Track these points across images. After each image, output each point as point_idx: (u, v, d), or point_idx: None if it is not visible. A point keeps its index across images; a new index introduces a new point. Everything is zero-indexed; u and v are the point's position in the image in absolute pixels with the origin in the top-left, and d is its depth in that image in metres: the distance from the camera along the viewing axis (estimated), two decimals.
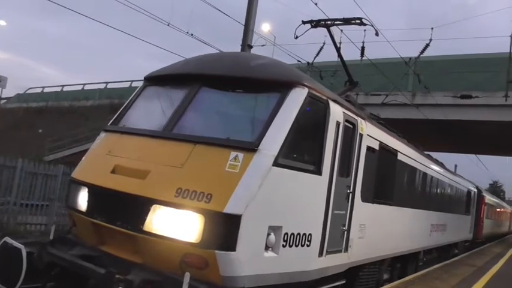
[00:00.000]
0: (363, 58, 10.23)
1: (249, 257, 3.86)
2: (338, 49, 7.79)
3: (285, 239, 4.24)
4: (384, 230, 7.14)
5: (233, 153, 3.98)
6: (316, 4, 9.99)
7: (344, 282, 5.68)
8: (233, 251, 3.70)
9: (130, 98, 5.39)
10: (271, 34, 20.04)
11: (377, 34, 7.67)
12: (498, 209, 29.14)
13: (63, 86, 37.23)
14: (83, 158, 4.96)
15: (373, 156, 6.33)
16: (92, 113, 26.80)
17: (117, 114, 5.23)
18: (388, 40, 11.81)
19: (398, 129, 8.58)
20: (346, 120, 5.34)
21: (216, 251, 3.68)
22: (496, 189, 68.33)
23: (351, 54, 10.16)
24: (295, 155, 4.42)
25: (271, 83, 4.51)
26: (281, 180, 4.16)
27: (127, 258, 4.09)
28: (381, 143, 6.64)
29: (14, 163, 10.02)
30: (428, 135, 21.42)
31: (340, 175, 5.23)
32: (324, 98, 4.87)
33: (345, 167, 5.41)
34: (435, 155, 13.28)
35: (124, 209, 4.07)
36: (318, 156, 4.75)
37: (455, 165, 29.54)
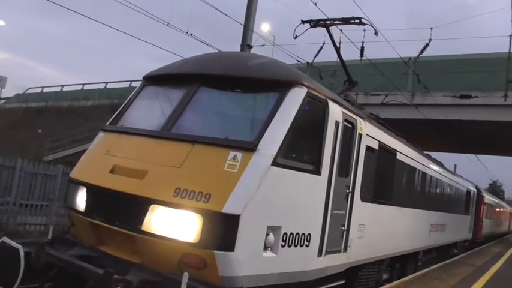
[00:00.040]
0: (363, 58, 10.21)
1: (247, 257, 3.85)
2: (337, 49, 7.78)
3: (284, 239, 4.23)
4: (383, 230, 7.13)
5: (232, 153, 3.97)
6: (315, 4, 9.98)
7: (343, 282, 5.68)
8: (232, 251, 3.69)
9: (129, 98, 5.37)
10: (271, 34, 20.04)
11: (376, 34, 7.67)
12: (497, 209, 29.15)
13: (62, 86, 37.28)
14: (81, 158, 4.95)
15: (373, 156, 6.32)
16: (92, 113, 26.78)
17: (116, 114, 5.22)
18: (387, 40, 11.82)
19: (397, 129, 8.57)
20: (345, 120, 5.33)
21: (215, 251, 3.67)
22: (495, 189, 68.34)
23: (350, 54, 10.17)
24: (294, 155, 4.41)
25: (270, 83, 4.50)
26: (280, 180, 4.15)
27: (125, 259, 4.08)
28: (380, 142, 6.63)
29: (13, 163, 10.01)
30: (428, 135, 21.43)
31: (339, 175, 5.22)
32: (323, 97, 4.86)
33: (344, 167, 5.40)
34: (435, 154, 13.29)
35: (122, 209, 4.06)
36: (317, 156, 4.74)
37: (455, 165, 29.56)
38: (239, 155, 3.95)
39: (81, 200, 4.46)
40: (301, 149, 4.62)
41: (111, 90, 32.14)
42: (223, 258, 3.69)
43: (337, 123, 5.08)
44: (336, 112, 5.07)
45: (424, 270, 9.51)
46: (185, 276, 3.55)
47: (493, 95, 16.54)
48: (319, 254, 4.86)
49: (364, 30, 8.90)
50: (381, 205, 6.88)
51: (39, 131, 25.85)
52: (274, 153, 4.05)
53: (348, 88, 7.75)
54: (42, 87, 38.89)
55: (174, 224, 3.82)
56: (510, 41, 16.16)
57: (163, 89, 5.16)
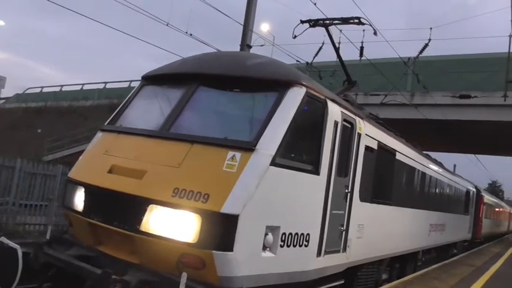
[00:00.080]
0: (362, 58, 10.20)
1: (246, 257, 3.84)
2: (337, 49, 7.78)
3: (283, 239, 4.22)
4: (382, 230, 7.12)
5: (230, 153, 3.96)
6: (315, 4, 9.97)
7: (342, 282, 5.67)
8: (230, 251, 3.68)
9: (127, 98, 5.36)
10: (271, 34, 20.05)
11: (375, 34, 7.65)
12: (497, 209, 29.16)
13: (62, 86, 37.27)
14: (80, 158, 4.94)
15: (372, 155, 6.32)
16: (91, 113, 26.77)
17: (114, 113, 5.21)
18: (387, 40, 11.81)
19: (397, 129, 8.57)
20: (345, 120, 5.32)
21: (213, 251, 3.66)
22: (495, 189, 68.42)
23: (350, 54, 10.17)
24: (293, 155, 4.40)
25: (269, 82, 4.49)
26: (279, 180, 4.15)
27: (124, 259, 4.07)
28: (379, 142, 6.62)
29: (12, 163, 9.99)
30: (427, 135, 21.43)
31: (338, 175, 5.22)
32: (322, 97, 4.85)
33: (343, 167, 5.39)
34: (434, 154, 13.29)
35: (121, 209, 4.05)
36: (316, 156, 4.73)
37: (454, 165, 29.63)
38: (238, 154, 3.94)
39: (79, 200, 4.45)
40: (300, 148, 4.62)
41: (110, 90, 32.14)
42: (222, 258, 3.68)
43: (336, 123, 5.07)
44: (335, 112, 5.06)
45: (423, 270, 9.51)
46: (183, 277, 3.55)
47: (492, 95, 16.54)
48: (318, 254, 4.86)
49: (364, 30, 8.91)
50: (380, 205, 6.87)
51: (39, 131, 25.85)
52: (273, 153, 4.04)
53: (347, 88, 7.74)
54: (42, 87, 38.90)
55: (173, 224, 3.81)
56: (510, 41, 16.18)
57: (162, 88, 5.15)
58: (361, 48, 10.03)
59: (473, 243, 19.22)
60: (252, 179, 3.86)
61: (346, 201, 5.52)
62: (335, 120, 5.05)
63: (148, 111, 5.02)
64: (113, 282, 3.55)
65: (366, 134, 6.04)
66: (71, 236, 4.78)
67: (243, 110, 4.65)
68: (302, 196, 4.56)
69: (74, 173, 4.76)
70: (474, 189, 18.64)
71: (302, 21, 7.30)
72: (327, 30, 7.20)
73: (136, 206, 3.94)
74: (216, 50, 9.59)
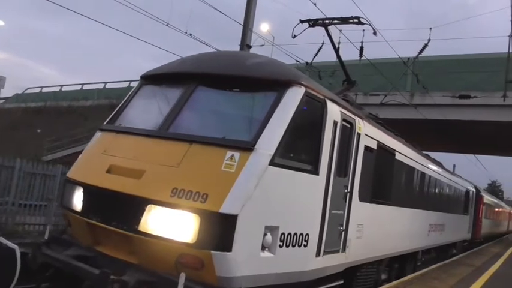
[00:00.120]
0: (362, 58, 10.19)
1: (245, 257, 3.83)
2: (336, 49, 7.77)
3: (282, 239, 4.21)
4: (381, 230, 7.11)
5: (229, 153, 3.95)
6: (315, 4, 9.97)
7: (342, 282, 5.66)
8: (229, 251, 3.67)
9: (126, 97, 5.35)
10: (270, 34, 20.06)
11: (375, 33, 7.64)
12: (496, 209, 29.15)
13: (61, 86, 37.26)
14: (79, 158, 4.93)
15: (371, 155, 6.31)
16: (91, 113, 26.75)
17: (113, 113, 5.19)
18: (386, 40, 11.80)
19: (396, 129, 8.56)
20: (344, 120, 5.31)
21: (212, 252, 3.65)
22: (494, 189, 68.44)
23: (349, 54, 10.16)
24: (292, 155, 4.39)
25: (268, 82, 4.48)
26: (278, 180, 4.14)
27: (122, 259, 4.06)
28: (378, 142, 6.61)
29: (12, 163, 9.96)
30: (427, 135, 21.43)
31: (338, 175, 5.20)
32: (321, 97, 4.84)
33: (343, 167, 5.38)
34: (434, 155, 13.28)
35: (119, 209, 4.04)
36: (315, 156, 4.72)
37: (454, 165, 29.62)
38: (236, 154, 3.93)
39: (77, 200, 4.44)
40: (299, 148, 4.61)
41: (110, 90, 32.13)
42: (221, 258, 3.67)
43: (335, 123, 5.06)
44: (334, 112, 5.05)
45: (423, 270, 9.50)
46: (182, 277, 3.53)
47: (492, 95, 16.54)
48: (318, 254, 4.84)
49: (363, 30, 8.89)
50: (380, 205, 6.86)
51: (38, 131, 25.83)
52: (272, 152, 4.03)
53: (346, 88, 7.73)
54: (41, 87, 38.88)
55: (171, 224, 3.79)
56: (509, 41, 16.17)
57: (161, 88, 5.14)
58: (361, 48, 10.02)
59: (472, 243, 19.22)
60: (251, 179, 3.85)
61: (345, 201, 5.51)
62: (334, 120, 5.04)
63: (147, 110, 5.01)
64: (111, 283, 3.54)
65: (365, 134, 6.03)
66: (69, 236, 4.77)
67: (241, 110, 4.64)
68: (301, 196, 4.55)
69: (72, 173, 4.75)
70: (474, 189, 18.63)
71: (301, 21, 7.29)
72: (326, 30, 7.19)
73: (134, 206, 3.92)
74: (215, 50, 9.59)
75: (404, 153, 8.18)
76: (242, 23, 11.46)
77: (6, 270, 4.04)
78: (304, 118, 4.52)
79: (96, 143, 4.87)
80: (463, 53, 19.27)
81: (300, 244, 4.48)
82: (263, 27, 21.44)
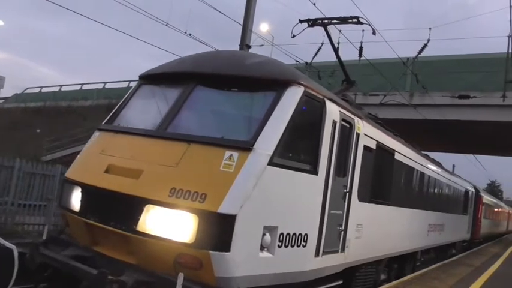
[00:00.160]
0: (361, 58, 10.18)
1: (243, 257, 3.82)
2: (335, 49, 7.76)
3: (281, 239, 4.20)
4: (381, 230, 7.11)
5: (228, 153, 3.94)
6: (314, 4, 9.96)
7: (341, 282, 5.65)
8: (227, 251, 3.66)
9: (125, 97, 5.34)
10: (270, 34, 20.06)
11: (374, 33, 7.64)
12: (496, 209, 29.16)
13: (61, 86, 37.19)
14: (77, 158, 4.92)
15: (370, 155, 6.30)
16: (90, 113, 26.70)
17: (112, 113, 5.19)
18: (386, 40, 11.80)
19: (396, 129, 8.56)
20: (343, 120, 5.30)
21: (210, 252, 3.64)
22: (493, 189, 68.48)
23: (349, 54, 10.14)
24: (290, 155, 4.38)
25: (267, 82, 4.47)
26: (276, 179, 4.13)
27: (121, 259, 4.04)
28: (378, 142, 6.60)
29: (11, 163, 9.96)
30: (426, 135, 21.42)
31: (337, 175, 5.20)
32: (320, 97, 4.83)
33: (342, 167, 5.37)
34: (433, 155, 13.29)
35: (117, 209, 4.03)
36: (314, 156, 4.71)
37: (453, 165, 29.62)
38: (235, 154, 3.92)
39: (76, 200, 4.43)
40: (298, 148, 4.59)
41: (109, 90, 32.08)
42: (219, 258, 3.65)
43: (334, 123, 5.05)
44: (333, 111, 5.04)
45: (422, 270, 9.50)
46: (180, 277, 3.52)
47: (491, 95, 16.53)
48: (317, 254, 4.83)
49: (363, 30, 8.88)
50: (379, 205, 6.85)
51: (38, 131, 25.79)
52: (271, 152, 4.02)
53: (346, 88, 7.72)
54: (41, 87, 38.81)
55: (170, 224, 3.78)
56: (509, 41, 16.17)
57: (160, 88, 5.13)
58: (360, 48, 10.00)
59: (472, 243, 19.22)
60: (250, 179, 3.83)
61: (344, 201, 5.50)
62: (333, 120, 5.03)
63: (145, 110, 5.00)
64: (109, 283, 3.53)
65: (365, 134, 6.02)
66: (67, 236, 4.76)
67: (240, 110, 4.63)
68: (300, 196, 4.54)
69: (70, 173, 4.74)
70: (473, 189, 18.64)
71: (300, 21, 7.28)
72: (326, 30, 7.17)
73: (133, 206, 3.91)
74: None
75: (404, 153, 8.18)
76: (242, 23, 11.45)
77: (4, 270, 4.03)
78: (303, 118, 4.51)
79: (94, 143, 4.86)
80: (463, 53, 19.27)
81: (298, 244, 4.47)
82: (263, 27, 21.46)
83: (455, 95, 16.58)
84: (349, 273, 6.03)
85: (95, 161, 4.52)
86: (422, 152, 10.71)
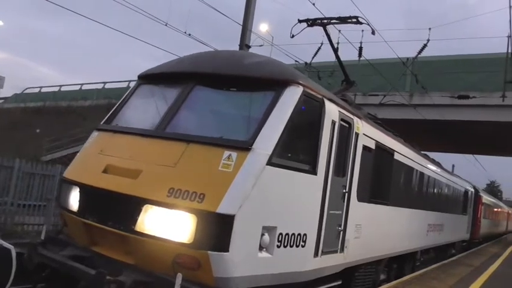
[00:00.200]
0: (361, 58, 10.18)
1: (242, 257, 3.81)
2: (335, 49, 7.75)
3: (280, 239, 4.19)
4: (380, 230, 7.10)
5: (226, 153, 3.93)
6: (313, 4, 9.95)
7: (340, 282, 5.64)
8: (226, 251, 3.65)
9: (124, 97, 5.33)
10: (269, 34, 20.05)
11: (373, 33, 7.63)
12: (495, 209, 29.17)
13: (61, 86, 37.17)
14: (75, 158, 4.91)
15: (370, 155, 6.29)
16: (90, 113, 26.68)
17: (110, 113, 5.18)
18: (385, 40, 11.80)
19: (395, 129, 8.55)
20: (342, 119, 5.30)
21: (209, 252, 3.63)
22: (493, 189, 68.54)
23: (348, 54, 10.14)
24: (289, 154, 4.37)
25: (266, 82, 4.46)
26: (275, 179, 4.12)
27: (119, 259, 4.04)
28: (377, 142, 6.60)
29: (11, 163, 9.94)
30: (426, 135, 21.42)
31: (336, 175, 5.19)
32: (319, 96, 4.82)
33: (341, 167, 5.36)
34: (432, 155, 13.29)
35: (115, 209, 4.02)
36: (313, 156, 4.70)
37: (453, 165, 29.63)
38: (234, 154, 3.91)
39: (74, 199, 4.41)
40: (297, 148, 4.59)
41: (109, 90, 32.07)
42: (218, 258, 3.65)
43: (333, 123, 5.04)
44: (332, 111, 5.03)
45: (422, 271, 9.50)
46: (178, 277, 3.51)
47: (491, 96, 16.54)
48: (316, 254, 4.82)
49: (362, 30, 8.88)
50: (378, 205, 6.84)
51: (37, 131, 25.77)
52: (270, 152, 4.01)
53: (345, 88, 7.72)
54: (41, 87, 38.79)
55: (168, 224, 3.77)
56: (508, 41, 16.16)
57: (159, 87, 5.12)
58: (360, 48, 9.99)
59: (471, 243, 19.22)
60: (249, 179, 3.82)
61: (343, 201, 5.49)
62: (332, 120, 5.02)
63: (144, 110, 4.99)
64: (107, 283, 3.52)
65: (364, 134, 6.01)
66: (65, 236, 4.75)
67: (239, 110, 4.61)
68: (299, 196, 4.53)
69: (68, 173, 4.73)
70: (472, 189, 18.64)
71: (300, 21, 7.27)
72: (325, 30, 7.17)
73: (131, 206, 3.90)
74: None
75: (403, 153, 8.17)
76: (241, 23, 11.45)
77: (2, 270, 4.02)
78: (302, 118, 4.50)
79: (93, 143, 4.85)
80: (462, 53, 19.26)
81: (297, 244, 4.46)
82: (262, 27, 21.44)
83: (455, 95, 16.57)
84: (348, 273, 6.02)
85: (93, 160, 4.51)
86: (422, 152, 10.70)
